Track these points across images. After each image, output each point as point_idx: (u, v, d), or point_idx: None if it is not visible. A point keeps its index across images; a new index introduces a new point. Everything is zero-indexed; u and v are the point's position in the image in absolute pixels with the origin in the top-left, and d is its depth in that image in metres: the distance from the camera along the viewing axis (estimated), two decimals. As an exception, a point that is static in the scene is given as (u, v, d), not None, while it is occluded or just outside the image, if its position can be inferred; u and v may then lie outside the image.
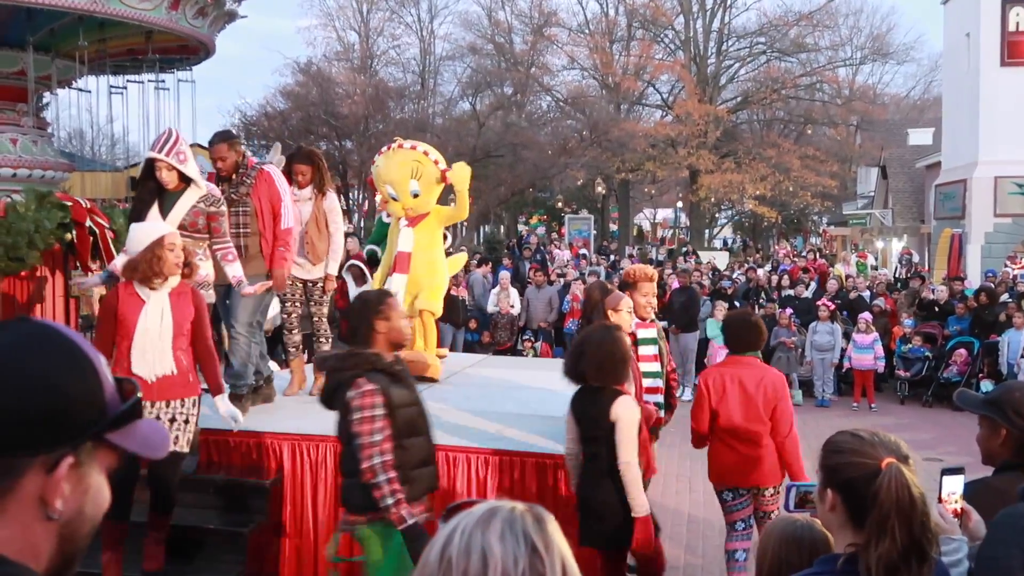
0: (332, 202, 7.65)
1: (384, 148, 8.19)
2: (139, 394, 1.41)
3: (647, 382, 6.37)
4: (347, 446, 4.43)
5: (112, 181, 26.37)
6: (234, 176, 6.99)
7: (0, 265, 7.30)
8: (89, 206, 8.54)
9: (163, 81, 19.16)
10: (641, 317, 6.54)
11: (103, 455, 1.37)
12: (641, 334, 6.46)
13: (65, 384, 1.31)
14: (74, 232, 8.00)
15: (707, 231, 44.14)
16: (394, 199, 7.93)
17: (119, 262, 6.12)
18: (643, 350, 6.41)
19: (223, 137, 7.09)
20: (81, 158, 29.53)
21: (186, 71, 19.74)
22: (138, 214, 6.19)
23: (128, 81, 19.48)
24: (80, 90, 19.79)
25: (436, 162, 7.92)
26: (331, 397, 4.47)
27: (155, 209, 6.17)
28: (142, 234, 5.30)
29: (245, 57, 70.78)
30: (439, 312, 8.36)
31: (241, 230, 6.95)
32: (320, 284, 7.66)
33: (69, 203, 8.11)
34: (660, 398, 6.48)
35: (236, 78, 77.03)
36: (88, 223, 8.09)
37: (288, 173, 7.48)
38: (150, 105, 19.40)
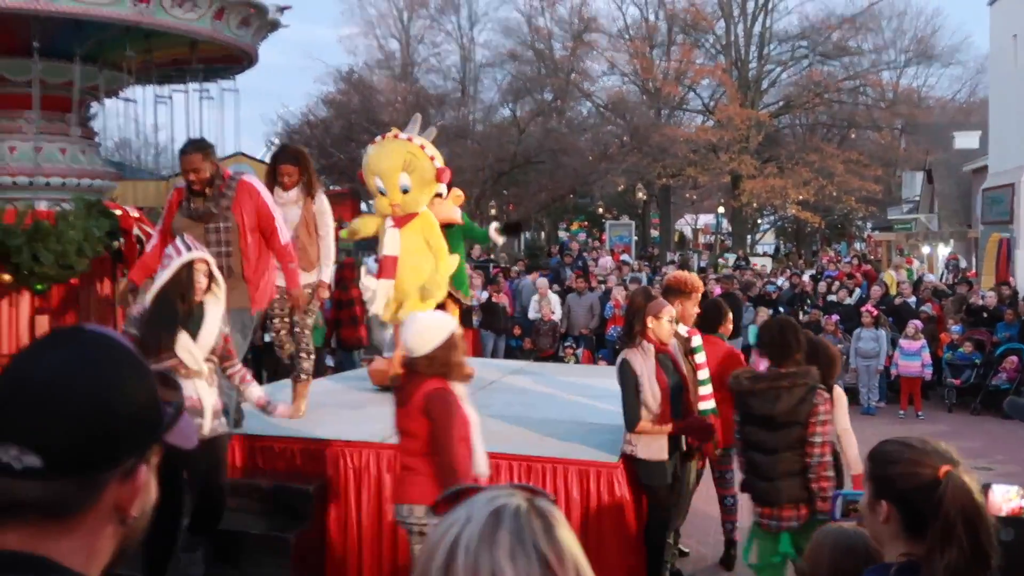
0: (322, 204, 7.10)
1: (377, 138, 7.67)
2: (183, 393, 1.45)
3: (703, 389, 6.36)
4: (785, 452, 5.25)
5: (158, 189, 26.72)
6: (208, 189, 6.26)
7: (51, 273, 7.43)
8: (137, 214, 8.68)
9: (207, 90, 19.38)
10: (689, 325, 6.55)
11: (155, 453, 1.41)
12: (693, 342, 6.45)
13: (139, 395, 1.34)
14: (122, 240, 8.12)
15: (749, 237, 43.83)
16: (381, 193, 7.34)
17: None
18: (699, 358, 6.41)
19: (197, 146, 6.37)
20: (128, 167, 29.96)
21: (229, 80, 19.97)
22: (157, 341, 5.07)
23: (173, 91, 19.73)
24: (126, 100, 20.11)
25: (432, 158, 7.33)
26: (795, 407, 5.22)
27: (183, 334, 5.21)
28: (435, 328, 4.76)
29: (288, 66, 71.58)
30: None
31: (223, 249, 6.18)
32: (310, 291, 7.07)
33: (117, 211, 8.24)
34: (712, 404, 6.47)
35: (279, 87, 77.69)
36: (136, 231, 8.21)
37: (273, 174, 7.03)
38: (195, 114, 19.67)
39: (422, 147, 7.34)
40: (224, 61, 17.38)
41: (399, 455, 4.89)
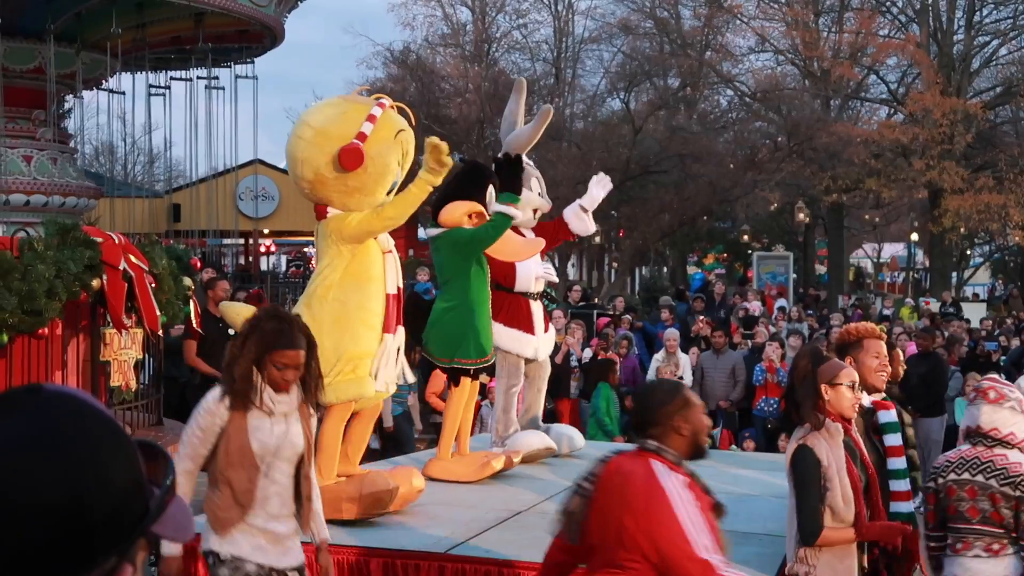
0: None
1: (366, 98, 7.10)
2: (172, 474, 1.47)
3: (897, 484, 6.25)
4: None
5: (150, 210, 27.36)
6: None
7: (11, 320, 7.62)
8: (123, 243, 8.89)
9: (216, 78, 19.88)
10: (876, 387, 6.43)
11: (141, 548, 1.44)
12: (882, 417, 6.34)
13: (117, 476, 1.37)
14: (104, 277, 8.33)
15: (955, 274, 43.02)
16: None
17: None
18: (890, 439, 6.30)
19: None
20: (111, 180, 30.81)
21: (246, 64, 20.44)
22: None
23: (172, 79, 20.29)
24: (111, 91, 20.67)
25: None
26: None
27: None
28: None
29: (323, 45, 73.11)
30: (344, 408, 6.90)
31: None
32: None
33: (99, 239, 8.45)
34: (912, 506, 6.35)
35: (311, 72, 79.42)
36: (122, 265, 8.41)
37: (258, 363, 5.25)
38: (200, 108, 20.15)
39: None
40: (239, 39, 17.91)
41: None
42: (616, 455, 4.60)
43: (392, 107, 6.95)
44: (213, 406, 5.27)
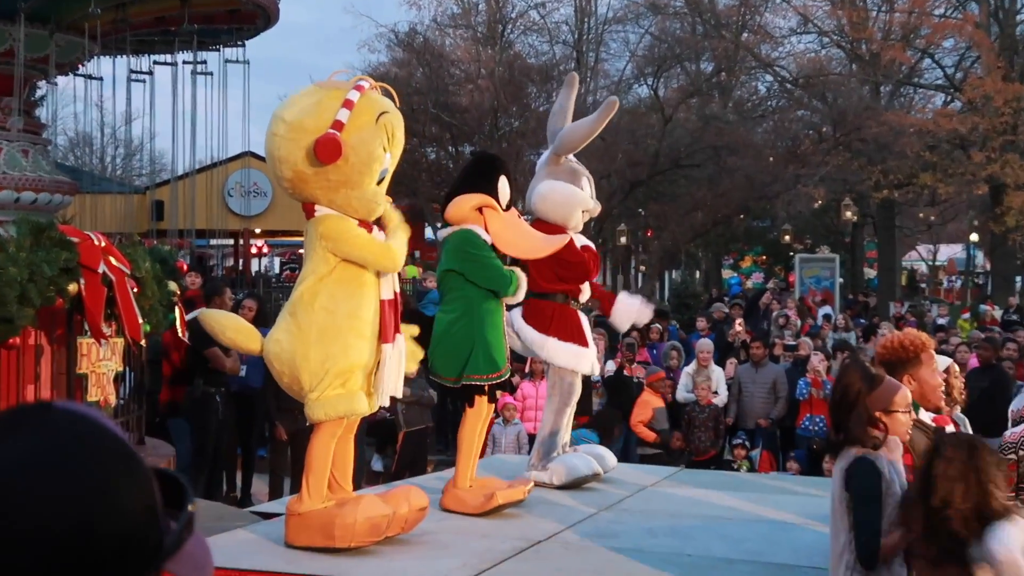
0: None
1: (339, 76, 7.13)
2: (192, 506, 1.48)
3: None
4: None
5: (129, 207, 27.42)
6: None
7: (-18, 328, 7.65)
8: (104, 244, 8.89)
9: (204, 62, 19.92)
10: (936, 407, 6.44)
11: None
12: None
13: (130, 504, 1.38)
14: (83, 281, 8.33)
15: (1019, 278, 42.88)
16: (381, 180, 6.91)
17: None
18: None
19: None
20: (87, 174, 30.90)
21: (237, 47, 20.49)
22: None
23: (155, 63, 20.36)
24: (88, 77, 20.73)
25: None
26: None
27: None
28: None
29: (320, 26, 73.17)
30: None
31: None
32: None
33: (76, 240, 8.45)
34: None
35: (307, 56, 79.43)
36: (102, 268, 8.41)
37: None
38: (186, 96, 20.20)
39: None
40: (229, 20, 17.95)
41: None
42: None
43: (374, 88, 6.88)
44: None
